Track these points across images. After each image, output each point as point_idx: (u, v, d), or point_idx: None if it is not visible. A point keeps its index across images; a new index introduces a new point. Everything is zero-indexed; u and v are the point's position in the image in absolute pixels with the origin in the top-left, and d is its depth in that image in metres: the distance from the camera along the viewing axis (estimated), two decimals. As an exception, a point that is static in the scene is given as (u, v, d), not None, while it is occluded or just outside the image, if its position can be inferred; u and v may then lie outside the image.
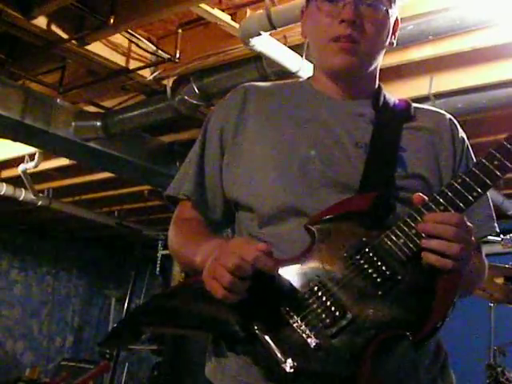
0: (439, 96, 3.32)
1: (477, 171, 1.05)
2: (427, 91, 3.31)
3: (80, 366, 6.34)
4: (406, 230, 1.04)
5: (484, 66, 3.17)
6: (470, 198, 1.05)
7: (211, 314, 1.05)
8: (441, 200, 1.05)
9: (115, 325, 1.18)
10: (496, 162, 1.05)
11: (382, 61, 1.30)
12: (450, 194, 1.05)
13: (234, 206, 1.27)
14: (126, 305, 6.36)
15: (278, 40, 2.96)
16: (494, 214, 1.29)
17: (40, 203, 6.06)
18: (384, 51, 1.29)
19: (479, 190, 1.05)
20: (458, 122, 1.33)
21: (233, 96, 1.33)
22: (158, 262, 6.71)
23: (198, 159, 1.30)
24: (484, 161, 1.06)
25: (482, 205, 1.25)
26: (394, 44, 1.30)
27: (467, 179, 1.05)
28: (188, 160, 1.33)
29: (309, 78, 1.37)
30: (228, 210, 1.29)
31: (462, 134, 1.31)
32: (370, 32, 1.20)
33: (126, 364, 6.69)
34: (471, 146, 1.31)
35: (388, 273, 1.03)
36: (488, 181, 1.05)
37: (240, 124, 1.27)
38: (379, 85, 1.32)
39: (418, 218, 1.04)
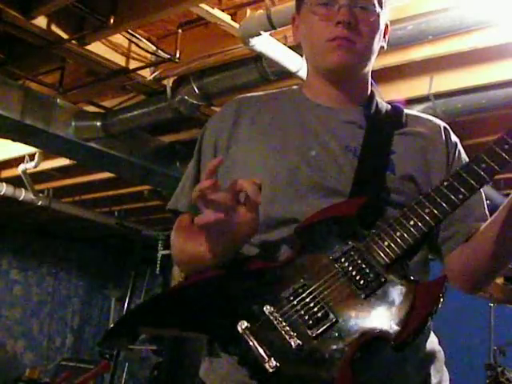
0: (439, 96, 3.30)
1: (464, 174, 1.06)
2: (427, 91, 3.30)
3: (80, 366, 6.35)
4: (391, 232, 1.05)
5: (484, 66, 3.16)
6: (456, 200, 1.05)
7: (202, 315, 1.07)
8: (426, 203, 1.06)
9: (111, 325, 1.19)
10: (483, 165, 1.06)
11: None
12: (435, 196, 1.06)
13: None
14: (125, 305, 6.37)
15: (278, 40, 2.96)
16: (488, 214, 1.27)
17: (40, 203, 6.06)
18: (376, 55, 1.30)
19: (466, 192, 1.05)
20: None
21: (226, 109, 1.35)
22: (158, 261, 6.71)
23: (194, 172, 1.33)
24: (471, 164, 1.07)
25: (476, 206, 1.25)
26: (385, 47, 1.32)
27: (454, 182, 1.06)
28: (186, 173, 1.36)
29: (301, 86, 1.38)
30: None
31: (454, 138, 1.32)
32: (365, 33, 1.23)
33: (126, 364, 6.69)
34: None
35: (371, 276, 1.03)
36: (475, 183, 1.05)
37: (233, 136, 1.29)
38: (372, 91, 1.34)
39: (404, 222, 1.05)
